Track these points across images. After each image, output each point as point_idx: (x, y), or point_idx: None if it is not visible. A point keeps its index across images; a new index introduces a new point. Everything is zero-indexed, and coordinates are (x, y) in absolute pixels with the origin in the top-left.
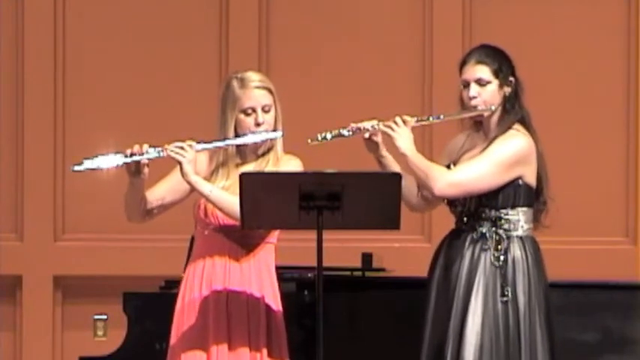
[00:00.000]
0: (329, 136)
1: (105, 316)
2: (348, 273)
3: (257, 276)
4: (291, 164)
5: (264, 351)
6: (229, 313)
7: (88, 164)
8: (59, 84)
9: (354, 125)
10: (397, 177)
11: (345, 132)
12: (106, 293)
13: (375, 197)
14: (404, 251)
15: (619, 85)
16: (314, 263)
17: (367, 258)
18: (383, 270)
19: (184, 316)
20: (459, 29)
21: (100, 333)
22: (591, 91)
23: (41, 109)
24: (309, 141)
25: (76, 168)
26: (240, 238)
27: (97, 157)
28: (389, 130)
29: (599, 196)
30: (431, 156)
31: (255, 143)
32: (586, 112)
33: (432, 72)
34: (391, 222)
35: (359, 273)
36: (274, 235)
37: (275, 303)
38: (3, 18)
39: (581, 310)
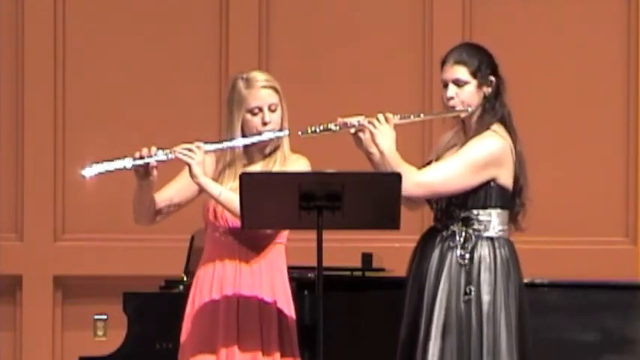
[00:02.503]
0: (318, 129)
1: (105, 316)
2: (348, 273)
3: (268, 278)
4: (299, 164)
5: (277, 354)
6: (240, 316)
7: (97, 168)
8: (59, 84)
9: (341, 120)
10: (397, 177)
11: (332, 126)
12: (106, 293)
13: (375, 197)
14: (404, 251)
15: (619, 85)
16: (314, 263)
17: (367, 258)
18: (383, 270)
19: (195, 317)
20: (459, 29)
21: (100, 333)
22: (591, 91)
23: (41, 109)
24: (300, 133)
25: (85, 173)
26: (250, 240)
27: (105, 161)
28: (371, 127)
29: (599, 196)
30: (429, 152)
31: (264, 142)
32: (586, 112)
33: (432, 72)
34: (391, 222)
35: (359, 273)
36: (283, 236)
37: (287, 305)
38: (3, 18)
39: (581, 310)
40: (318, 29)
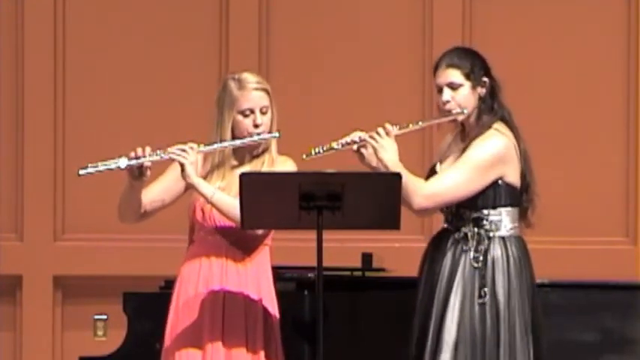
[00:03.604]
0: (322, 150)
1: (105, 316)
2: (348, 273)
3: (255, 278)
4: (286, 165)
5: (262, 353)
6: (225, 313)
7: (92, 168)
8: (59, 84)
9: (343, 139)
10: (397, 177)
11: (335, 145)
12: (106, 293)
13: (375, 197)
14: (404, 251)
15: (619, 85)
16: (314, 263)
17: (367, 258)
18: (383, 270)
19: (179, 315)
20: (459, 29)
21: (100, 333)
22: (591, 91)
23: (41, 109)
24: (304, 156)
25: (82, 172)
26: (238, 241)
27: (101, 160)
28: (372, 142)
29: (599, 196)
30: (430, 158)
31: (255, 144)
32: (586, 112)
33: (432, 73)
34: (391, 222)
35: (359, 273)
36: (270, 237)
37: (272, 306)
38: (3, 18)
39: (581, 310)
40: (318, 29)
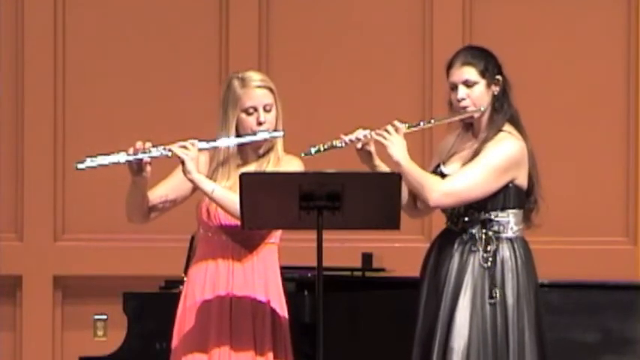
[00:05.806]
0: (322, 148)
1: (105, 316)
2: (348, 273)
3: (262, 277)
4: (292, 164)
5: (270, 354)
6: (233, 314)
7: (90, 162)
8: (59, 84)
9: (345, 137)
10: (397, 177)
11: (337, 143)
12: (106, 293)
13: (375, 197)
14: (404, 251)
15: (619, 85)
16: (314, 263)
17: (367, 258)
18: (383, 270)
19: (186, 317)
20: (459, 29)
21: (100, 333)
22: (591, 91)
23: (41, 109)
24: (302, 154)
25: (79, 165)
26: (243, 240)
27: (99, 155)
28: (381, 139)
29: (599, 195)
30: (430, 157)
31: (258, 142)
32: (586, 112)
33: (432, 72)
34: (391, 222)
35: (359, 273)
36: (276, 236)
37: (280, 305)
38: (3, 18)
39: (581, 310)
40: (318, 29)
